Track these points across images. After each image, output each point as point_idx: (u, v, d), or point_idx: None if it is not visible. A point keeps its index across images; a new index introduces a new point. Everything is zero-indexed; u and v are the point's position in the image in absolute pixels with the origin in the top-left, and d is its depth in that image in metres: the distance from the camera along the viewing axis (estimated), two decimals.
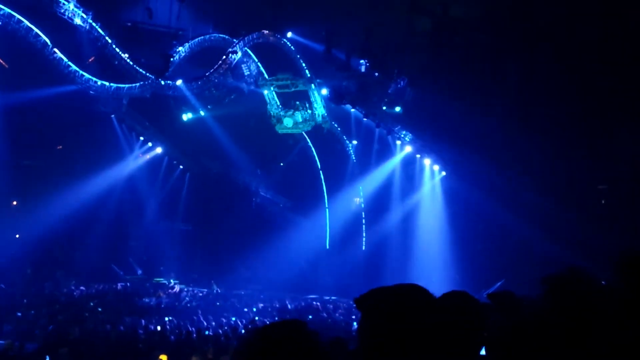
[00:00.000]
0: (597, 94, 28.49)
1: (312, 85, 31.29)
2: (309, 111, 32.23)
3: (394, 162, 34.82)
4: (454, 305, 3.17)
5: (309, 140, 35.60)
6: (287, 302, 26.77)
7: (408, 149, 34.17)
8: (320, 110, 32.25)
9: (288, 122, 32.36)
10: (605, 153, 29.53)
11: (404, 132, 33.42)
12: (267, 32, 30.36)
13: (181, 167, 35.56)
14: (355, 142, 35.22)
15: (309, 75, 31.29)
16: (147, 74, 26.86)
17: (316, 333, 2.54)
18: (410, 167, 34.89)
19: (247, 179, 36.01)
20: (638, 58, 26.45)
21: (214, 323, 18.67)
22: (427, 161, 34.52)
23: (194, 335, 15.75)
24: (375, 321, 2.45)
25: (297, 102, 32.33)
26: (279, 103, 32.57)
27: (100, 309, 20.90)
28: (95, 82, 25.32)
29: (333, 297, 29.50)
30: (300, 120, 32.35)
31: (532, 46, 29.78)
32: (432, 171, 34.88)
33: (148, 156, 33.44)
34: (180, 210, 35.43)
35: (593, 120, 29.38)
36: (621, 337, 3.52)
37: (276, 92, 32.30)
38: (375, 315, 2.46)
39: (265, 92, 32.04)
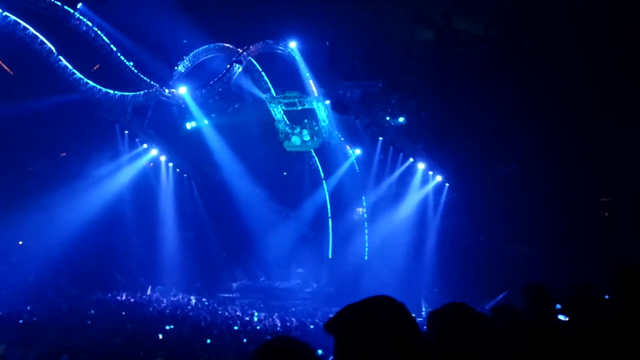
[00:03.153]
0: (599, 105, 28.52)
1: (320, 103, 31.38)
2: (316, 128, 32.34)
3: (397, 172, 34.77)
4: (453, 316, 3.17)
5: (312, 150, 35.64)
6: (288, 311, 26.76)
7: (411, 159, 34.13)
8: (327, 126, 32.39)
9: (296, 140, 32.50)
10: (608, 165, 29.50)
11: (406, 143, 33.44)
12: (271, 41, 30.47)
13: (185, 175, 35.59)
14: (358, 151, 35.21)
15: (313, 87, 31.34)
16: (152, 82, 26.95)
17: (307, 347, 2.49)
18: (413, 178, 34.83)
19: (250, 187, 36.01)
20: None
21: (215, 331, 18.64)
22: (430, 172, 34.47)
23: (195, 342, 15.75)
24: (352, 343, 2.33)
25: (305, 120, 32.45)
26: (287, 120, 32.68)
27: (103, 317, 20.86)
28: (100, 89, 25.42)
29: (334, 307, 29.42)
30: (308, 138, 32.48)
31: (534, 57, 29.85)
32: (433, 180, 34.79)
33: (151, 164, 33.46)
34: (183, 218, 35.42)
35: (596, 131, 29.38)
36: (619, 344, 3.56)
37: (284, 110, 32.44)
38: (347, 338, 2.35)
39: (271, 104, 32.10)
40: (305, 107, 31.87)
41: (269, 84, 32.08)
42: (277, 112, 32.39)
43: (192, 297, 30.55)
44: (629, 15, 25.98)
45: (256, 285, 34.19)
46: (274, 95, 32.05)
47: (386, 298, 2.46)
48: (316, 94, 31.37)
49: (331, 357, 5.75)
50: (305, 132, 32.48)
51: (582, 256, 27.00)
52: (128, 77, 26.52)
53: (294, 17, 31.19)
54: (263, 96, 32.03)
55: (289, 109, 32.30)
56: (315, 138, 32.69)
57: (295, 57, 31.16)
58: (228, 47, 29.81)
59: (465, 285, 29.65)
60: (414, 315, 2.51)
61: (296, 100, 31.64)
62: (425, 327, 3.44)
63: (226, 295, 32.46)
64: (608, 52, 27.48)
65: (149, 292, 30.51)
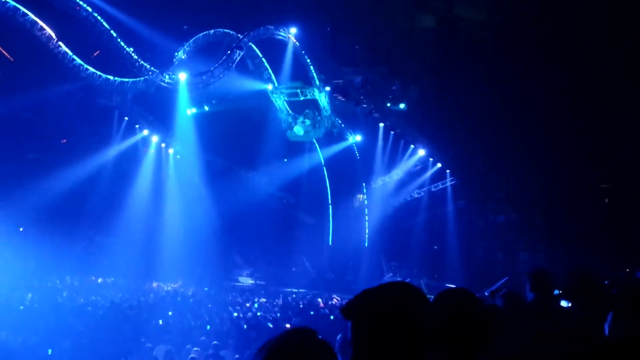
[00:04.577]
0: (600, 92, 28.47)
1: (323, 93, 31.26)
2: (319, 118, 32.25)
3: (400, 161, 34.80)
4: (452, 302, 3.15)
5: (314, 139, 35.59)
6: (289, 298, 26.82)
7: (412, 146, 34.13)
8: (329, 116, 32.30)
9: (299, 130, 32.39)
10: (609, 152, 29.50)
11: (407, 129, 33.44)
12: (272, 27, 30.31)
13: (185, 161, 35.50)
14: (358, 138, 35.15)
15: (314, 74, 31.18)
16: (152, 68, 26.86)
17: (325, 343, 2.44)
18: (412, 164, 34.86)
19: (250, 174, 35.99)
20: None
21: (216, 318, 18.69)
22: (430, 159, 34.49)
23: (196, 328, 15.79)
24: (369, 327, 2.33)
25: (307, 110, 32.32)
26: (289, 110, 32.58)
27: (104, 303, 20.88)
28: (100, 76, 25.30)
29: (335, 293, 29.53)
30: (311, 127, 32.38)
31: (535, 45, 29.76)
32: (433, 167, 34.82)
33: (152, 150, 33.42)
34: (184, 204, 35.36)
35: (597, 119, 29.35)
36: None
37: (286, 100, 32.32)
38: (367, 321, 2.34)
39: (274, 94, 31.96)
40: (307, 97, 31.75)
41: (270, 70, 31.91)
42: (279, 102, 32.27)
43: (192, 284, 30.61)
44: (629, 11, 25.95)
45: (257, 272, 34.30)
46: (275, 82, 31.91)
47: (404, 284, 2.45)
48: (317, 82, 31.23)
49: (338, 337, 5.75)
50: (307, 121, 32.37)
51: (583, 241, 27.08)
52: (128, 63, 26.41)
53: (295, 3, 31.04)
54: (265, 87, 31.84)
55: (291, 99, 32.17)
56: (318, 127, 32.60)
57: (289, 45, 30.89)
58: (228, 33, 29.67)
59: (465, 271, 29.75)
60: None
61: (298, 90, 31.52)
62: None
63: (227, 281, 32.52)
64: (608, 44, 27.42)
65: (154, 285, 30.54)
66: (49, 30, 23.58)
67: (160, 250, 32.47)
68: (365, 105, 31.99)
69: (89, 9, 24.59)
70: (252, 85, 32.11)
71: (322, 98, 31.48)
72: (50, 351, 12.45)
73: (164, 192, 34.35)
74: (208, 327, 16.82)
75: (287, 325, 18.09)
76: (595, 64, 27.97)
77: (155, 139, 32.48)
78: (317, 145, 36.20)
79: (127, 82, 26.55)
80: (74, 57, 24.40)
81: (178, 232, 33.38)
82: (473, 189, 33.80)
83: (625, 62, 27.08)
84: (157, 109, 31.39)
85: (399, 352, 2.28)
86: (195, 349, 12.49)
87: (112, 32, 25.45)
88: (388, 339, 2.30)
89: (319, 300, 26.70)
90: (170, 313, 19.28)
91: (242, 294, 27.51)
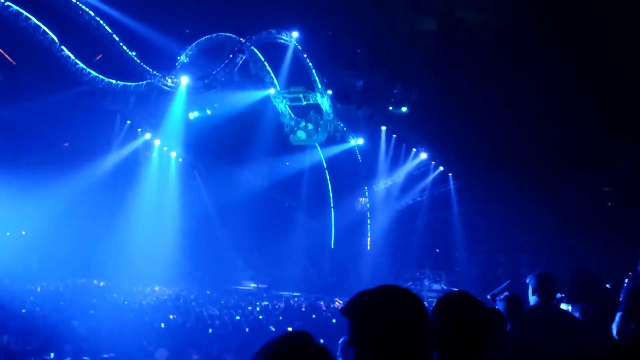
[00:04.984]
0: (602, 95, 28.45)
1: (325, 97, 31.26)
2: (321, 122, 32.26)
3: (402, 164, 34.82)
4: (453, 305, 3.15)
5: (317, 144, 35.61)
6: (291, 301, 26.78)
7: (414, 150, 34.14)
8: (332, 120, 32.30)
9: (301, 134, 32.42)
10: (611, 154, 29.47)
11: (409, 132, 33.46)
12: (273, 31, 30.34)
13: (187, 164, 35.56)
14: (360, 141, 35.16)
15: (316, 78, 31.17)
16: (154, 72, 26.90)
17: (322, 348, 2.44)
18: (413, 167, 34.88)
19: (252, 177, 36.00)
20: None
21: (217, 321, 18.67)
22: (432, 162, 34.49)
23: (197, 332, 15.78)
24: (370, 327, 2.37)
25: (311, 112, 32.34)
26: (292, 114, 32.60)
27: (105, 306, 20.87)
28: (102, 80, 25.35)
29: (337, 297, 29.50)
30: (313, 132, 32.40)
31: (537, 48, 29.75)
32: (436, 170, 34.83)
33: (154, 154, 33.49)
34: (186, 207, 35.41)
35: (599, 122, 29.32)
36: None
37: (288, 105, 32.35)
38: (362, 322, 2.39)
39: (276, 99, 31.98)
40: (309, 102, 31.77)
41: (272, 74, 31.93)
42: (282, 106, 32.29)
43: (194, 287, 30.60)
44: (629, 11, 25.90)
45: (259, 275, 34.29)
46: (278, 86, 31.92)
47: (401, 288, 2.50)
48: (319, 86, 31.23)
49: (342, 340, 5.77)
50: (310, 126, 32.38)
51: (585, 244, 27.04)
52: (130, 67, 26.46)
53: (297, 6, 31.06)
54: (267, 92, 31.82)
55: (294, 104, 32.20)
56: (320, 131, 32.61)
57: (290, 48, 30.91)
58: (231, 36, 29.72)
59: (468, 273, 29.71)
60: None
61: (300, 95, 31.55)
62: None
63: (229, 285, 32.51)
64: (608, 44, 27.40)
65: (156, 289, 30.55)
66: (51, 35, 23.63)
67: (162, 253, 32.48)
68: (366, 109, 32.00)
69: (92, 13, 24.65)
70: (255, 89, 32.16)
71: (325, 102, 31.49)
72: (52, 355, 12.44)
73: (166, 195, 34.38)
74: (210, 330, 16.79)
75: (289, 329, 18.07)
76: (595, 64, 27.96)
77: (157, 142, 32.52)
78: (319, 149, 36.21)
79: (130, 85, 26.62)
80: (77, 61, 24.45)
81: (180, 235, 33.42)
82: (475, 191, 33.76)
83: (626, 62, 27.06)
84: (159, 113, 31.44)
85: (398, 352, 2.31)
86: (196, 352, 12.48)
87: (114, 35, 25.50)
88: (388, 339, 2.33)
89: (321, 303, 26.66)
90: (172, 316, 19.27)
91: (244, 297, 27.48)
